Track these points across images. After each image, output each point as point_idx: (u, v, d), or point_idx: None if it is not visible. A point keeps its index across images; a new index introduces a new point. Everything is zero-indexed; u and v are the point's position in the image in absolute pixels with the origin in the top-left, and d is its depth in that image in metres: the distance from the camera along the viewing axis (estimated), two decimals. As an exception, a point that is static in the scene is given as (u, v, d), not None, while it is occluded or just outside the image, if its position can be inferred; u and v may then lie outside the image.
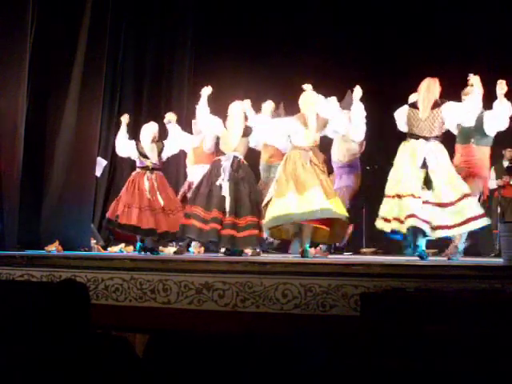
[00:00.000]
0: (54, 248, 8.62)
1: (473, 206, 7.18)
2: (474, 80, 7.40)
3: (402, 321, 4.66)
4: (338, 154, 8.52)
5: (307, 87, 8.08)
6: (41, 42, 9.09)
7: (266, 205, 7.93)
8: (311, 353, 3.95)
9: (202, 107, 8.61)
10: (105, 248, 10.02)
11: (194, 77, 12.26)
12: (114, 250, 9.82)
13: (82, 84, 9.47)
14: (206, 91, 8.61)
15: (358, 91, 8.06)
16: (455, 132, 7.83)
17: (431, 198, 7.18)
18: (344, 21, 11.49)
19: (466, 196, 7.16)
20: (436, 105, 7.39)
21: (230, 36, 12.23)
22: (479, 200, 7.62)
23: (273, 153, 8.99)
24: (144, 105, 11.91)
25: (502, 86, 7.44)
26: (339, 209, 7.70)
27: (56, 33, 9.27)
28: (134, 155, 9.25)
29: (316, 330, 5.57)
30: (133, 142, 9.27)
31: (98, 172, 10.46)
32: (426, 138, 7.32)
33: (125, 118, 9.45)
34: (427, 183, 7.20)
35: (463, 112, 7.43)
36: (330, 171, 8.66)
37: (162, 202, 9.02)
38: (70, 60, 9.42)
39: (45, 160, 9.26)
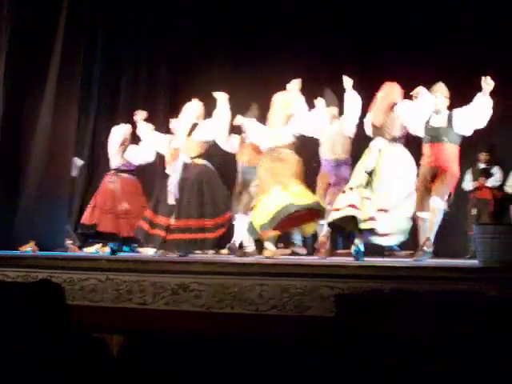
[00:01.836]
0: (29, 248, 8.58)
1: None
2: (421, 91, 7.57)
3: (377, 322, 4.69)
4: (336, 152, 8.48)
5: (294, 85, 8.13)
6: (16, 43, 9.05)
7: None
8: (287, 353, 3.96)
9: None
10: (81, 248, 9.98)
11: (174, 77, 12.20)
12: (90, 250, 9.79)
13: (58, 85, 9.43)
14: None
15: (347, 81, 8.08)
16: (421, 134, 7.85)
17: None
18: (333, 21, 11.39)
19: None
20: (392, 107, 7.55)
21: (211, 37, 12.18)
22: (449, 197, 7.67)
23: (252, 154, 8.91)
24: (121, 106, 11.85)
25: (488, 82, 7.43)
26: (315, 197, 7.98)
27: (32, 34, 9.22)
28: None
29: (292, 331, 5.58)
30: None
31: (74, 172, 10.41)
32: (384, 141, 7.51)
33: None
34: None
35: (417, 113, 7.58)
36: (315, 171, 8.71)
37: (125, 206, 9.02)
38: (46, 61, 9.38)
39: (20, 160, 9.23)
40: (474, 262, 6.74)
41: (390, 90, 7.69)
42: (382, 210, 7.35)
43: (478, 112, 7.44)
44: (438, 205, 7.44)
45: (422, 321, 4.63)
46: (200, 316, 5.91)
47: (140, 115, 9.30)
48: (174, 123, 9.23)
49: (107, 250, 9.52)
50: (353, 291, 5.51)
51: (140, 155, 9.33)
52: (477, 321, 4.58)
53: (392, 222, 7.42)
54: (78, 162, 10.59)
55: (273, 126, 8.17)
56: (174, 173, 8.47)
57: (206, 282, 5.96)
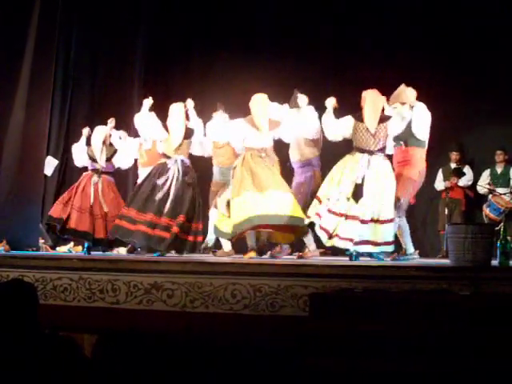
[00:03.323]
0: (1, 247, 8.51)
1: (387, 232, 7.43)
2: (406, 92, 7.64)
3: (351, 321, 4.70)
4: (296, 154, 8.50)
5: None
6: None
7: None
8: (262, 353, 3.97)
9: (142, 114, 8.78)
10: (53, 248, 9.94)
11: (146, 78, 12.17)
12: (63, 249, 9.75)
13: (31, 82, 9.32)
14: (148, 102, 8.77)
15: (301, 98, 8.15)
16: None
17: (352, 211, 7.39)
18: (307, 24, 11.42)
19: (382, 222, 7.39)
20: (382, 119, 7.56)
21: (183, 39, 12.17)
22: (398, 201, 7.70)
23: (230, 155, 8.92)
24: (95, 105, 11.79)
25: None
26: (297, 212, 7.77)
27: (4, 29, 9.15)
28: (88, 162, 9.29)
29: (265, 331, 5.58)
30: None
31: (49, 172, 10.35)
32: (371, 152, 7.50)
33: (85, 131, 9.40)
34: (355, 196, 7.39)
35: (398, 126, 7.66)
36: (291, 172, 8.68)
37: (104, 208, 9.02)
38: (19, 57, 9.29)
39: (-8, 158, 9.14)
40: (447, 262, 6.79)
41: (377, 98, 7.70)
42: (376, 221, 7.39)
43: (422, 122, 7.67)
44: None
45: (395, 320, 4.66)
46: (173, 315, 5.90)
47: (110, 123, 9.30)
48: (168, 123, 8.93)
49: (80, 249, 9.50)
50: (326, 290, 5.53)
51: (125, 160, 9.34)
52: (450, 319, 4.61)
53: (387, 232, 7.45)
54: (53, 161, 10.53)
55: (259, 128, 8.13)
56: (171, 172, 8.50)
57: (179, 281, 5.95)
